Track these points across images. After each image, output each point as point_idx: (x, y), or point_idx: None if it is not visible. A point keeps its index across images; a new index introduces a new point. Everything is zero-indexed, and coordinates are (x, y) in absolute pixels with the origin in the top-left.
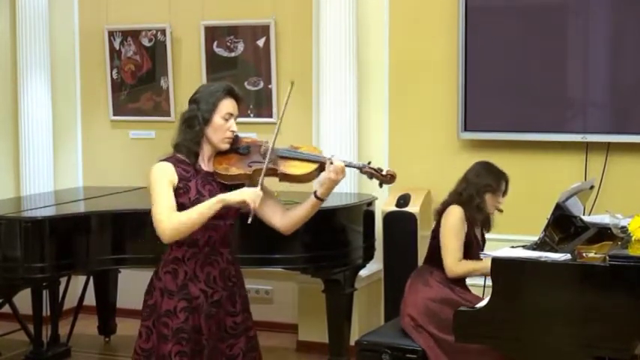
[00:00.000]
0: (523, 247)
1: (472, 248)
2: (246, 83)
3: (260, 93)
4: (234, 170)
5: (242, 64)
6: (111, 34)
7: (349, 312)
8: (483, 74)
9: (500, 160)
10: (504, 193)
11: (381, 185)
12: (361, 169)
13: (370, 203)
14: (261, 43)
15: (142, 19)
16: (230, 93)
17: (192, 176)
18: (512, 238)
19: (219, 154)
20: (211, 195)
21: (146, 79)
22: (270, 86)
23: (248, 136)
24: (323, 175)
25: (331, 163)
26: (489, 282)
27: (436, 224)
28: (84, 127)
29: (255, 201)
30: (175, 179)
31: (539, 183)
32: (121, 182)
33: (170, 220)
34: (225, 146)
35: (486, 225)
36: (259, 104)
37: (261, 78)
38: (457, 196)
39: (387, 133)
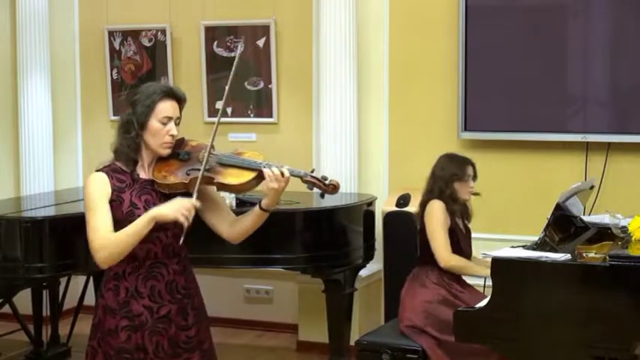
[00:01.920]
0: (523, 247)
1: (458, 240)
2: (246, 83)
3: (260, 93)
4: (171, 179)
5: (242, 64)
6: (111, 34)
7: (349, 312)
8: (483, 74)
9: (500, 160)
10: (474, 177)
11: (322, 196)
12: (302, 178)
13: (370, 203)
14: (261, 43)
15: (142, 19)
16: (168, 94)
17: (127, 186)
18: (512, 238)
19: (160, 160)
20: (147, 205)
21: (146, 79)
22: (270, 86)
23: (194, 139)
24: (264, 184)
25: (270, 171)
26: (489, 282)
27: (421, 225)
28: (84, 127)
29: (188, 217)
30: (109, 193)
31: (539, 183)
32: None
33: (104, 248)
34: (166, 152)
35: (466, 214)
36: (259, 104)
37: (261, 78)
38: (430, 194)
39: (387, 133)
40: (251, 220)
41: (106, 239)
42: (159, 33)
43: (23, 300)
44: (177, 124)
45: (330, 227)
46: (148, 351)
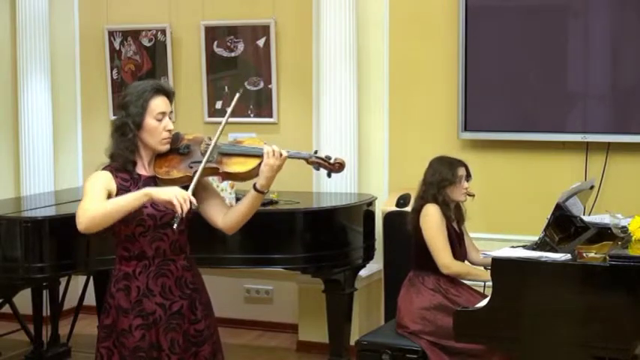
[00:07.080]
0: (523, 247)
1: (452, 242)
2: (246, 83)
3: (260, 93)
4: (175, 173)
5: (242, 64)
6: (111, 34)
7: (349, 312)
8: (483, 74)
9: (500, 160)
10: (467, 177)
11: (329, 175)
12: (307, 160)
13: (370, 203)
14: (261, 43)
15: (142, 19)
16: (159, 90)
17: (131, 185)
18: (512, 238)
19: (159, 157)
20: (154, 203)
21: (146, 79)
22: (270, 86)
23: (190, 132)
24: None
25: (270, 149)
26: (489, 282)
27: (415, 230)
28: (84, 127)
29: (182, 205)
30: (114, 189)
31: (539, 183)
32: None
33: (89, 209)
34: (165, 147)
35: (460, 217)
36: (259, 104)
37: (261, 78)
38: (422, 200)
39: (387, 133)
40: (246, 203)
41: (93, 206)
42: (159, 33)
43: (23, 300)
44: (170, 118)
45: (330, 227)
46: (163, 348)
